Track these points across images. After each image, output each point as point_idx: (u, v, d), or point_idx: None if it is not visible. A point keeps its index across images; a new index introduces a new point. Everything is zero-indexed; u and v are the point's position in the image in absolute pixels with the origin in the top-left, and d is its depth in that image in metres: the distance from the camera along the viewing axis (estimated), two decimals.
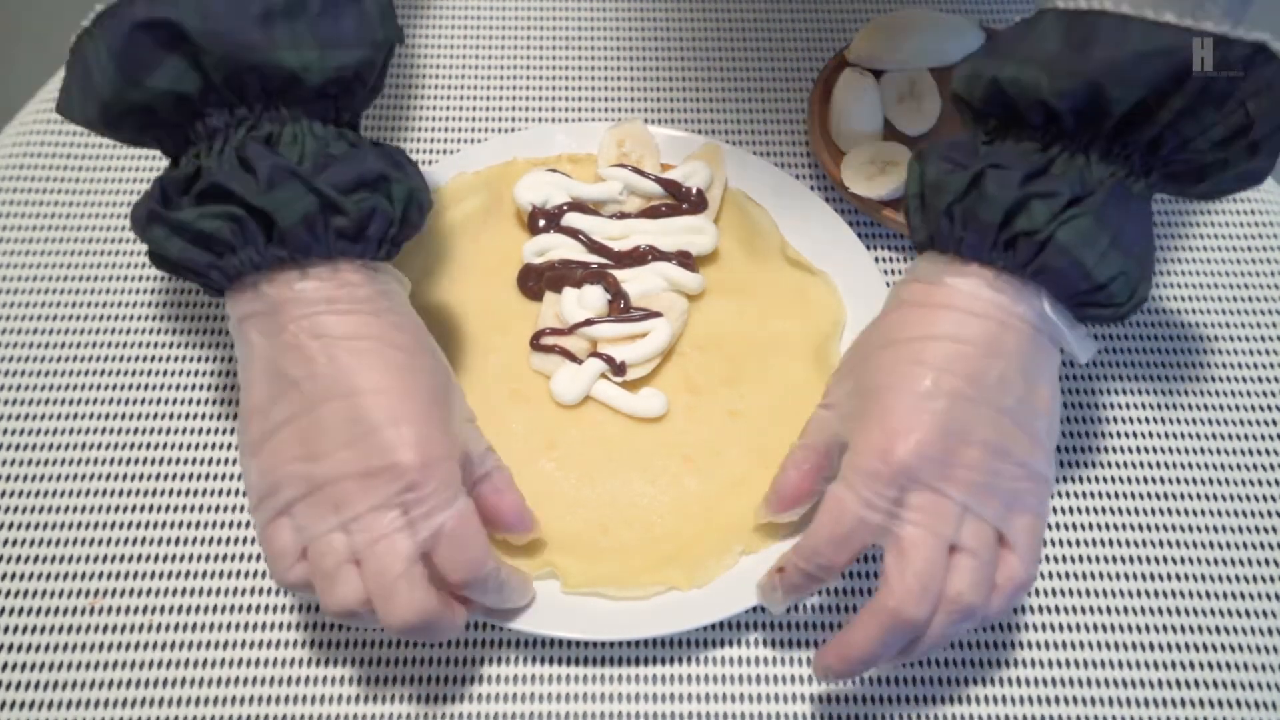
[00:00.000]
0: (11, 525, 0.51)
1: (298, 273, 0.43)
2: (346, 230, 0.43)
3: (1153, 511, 0.53)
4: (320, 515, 0.41)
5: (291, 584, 0.43)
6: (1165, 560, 0.52)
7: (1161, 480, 0.54)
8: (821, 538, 0.43)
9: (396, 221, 0.44)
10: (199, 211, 0.42)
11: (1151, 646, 0.49)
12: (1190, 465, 0.54)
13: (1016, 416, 0.43)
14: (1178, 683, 0.49)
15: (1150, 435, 0.55)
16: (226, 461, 0.53)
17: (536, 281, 0.57)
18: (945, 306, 0.43)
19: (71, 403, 0.55)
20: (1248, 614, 0.50)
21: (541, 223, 0.58)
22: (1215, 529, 0.52)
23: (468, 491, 0.44)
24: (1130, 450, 0.54)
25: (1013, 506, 0.43)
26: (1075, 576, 0.51)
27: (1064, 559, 0.51)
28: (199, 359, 0.56)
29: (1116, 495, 0.53)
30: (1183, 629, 0.50)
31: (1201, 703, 0.48)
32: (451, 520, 0.42)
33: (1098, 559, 0.52)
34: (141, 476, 0.53)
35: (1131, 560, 0.52)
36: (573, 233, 0.57)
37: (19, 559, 0.51)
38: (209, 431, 0.54)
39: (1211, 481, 0.54)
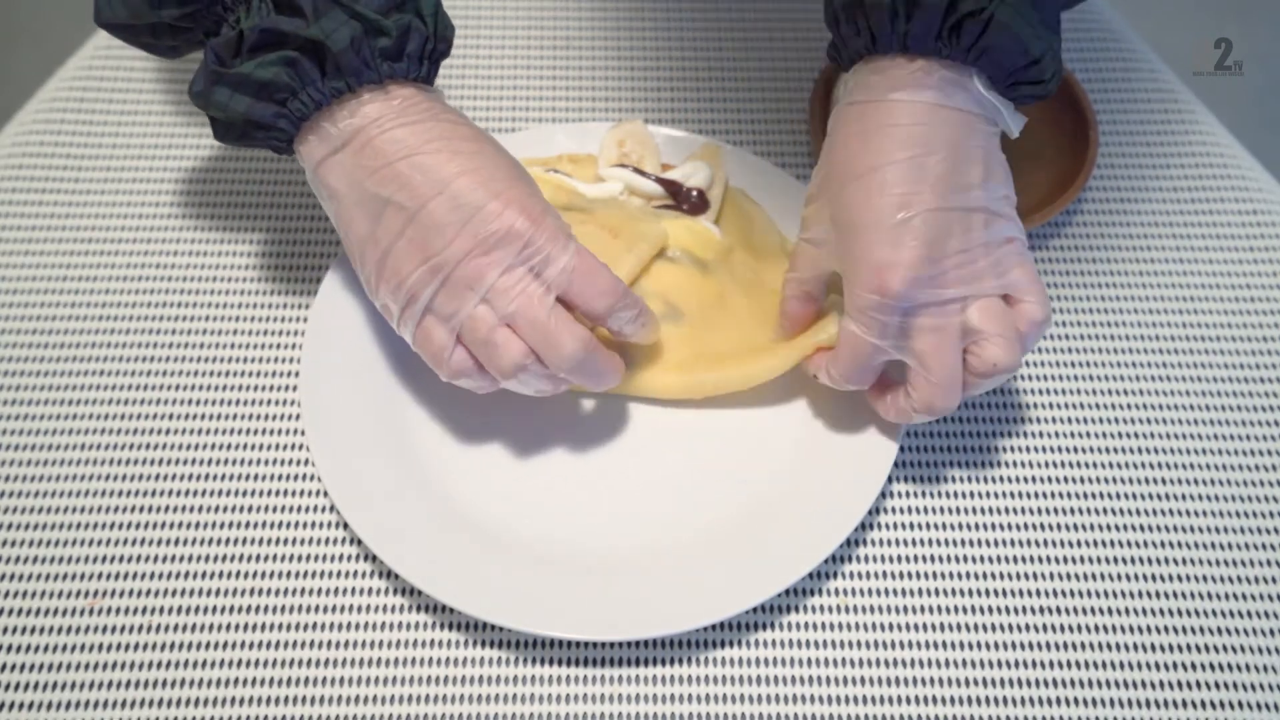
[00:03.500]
0: (11, 525, 0.51)
1: (355, 101, 0.46)
2: (389, 50, 0.46)
3: (1153, 512, 0.53)
4: (459, 297, 0.46)
5: (456, 372, 0.48)
6: (1165, 560, 0.52)
7: (1162, 480, 0.54)
8: (848, 370, 0.49)
9: (431, 37, 0.48)
10: (256, 62, 0.45)
11: (1151, 647, 0.49)
12: (1191, 465, 0.54)
13: (981, 204, 0.46)
14: (1178, 683, 0.49)
15: (1150, 435, 0.55)
16: (227, 462, 0.53)
17: None
18: (893, 125, 0.46)
19: (71, 403, 0.55)
20: (1248, 614, 0.50)
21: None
22: (1215, 529, 0.52)
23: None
24: (1130, 450, 0.54)
25: (1003, 271, 0.47)
26: (1075, 577, 0.51)
27: (1064, 559, 0.51)
28: (199, 359, 0.56)
29: (1117, 495, 0.53)
30: (1183, 629, 0.50)
31: (1201, 703, 0.48)
32: (574, 258, 0.46)
33: (1098, 559, 0.52)
34: (141, 476, 0.53)
35: (1131, 560, 0.51)
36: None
37: (18, 559, 0.51)
38: (209, 432, 0.54)
39: (1211, 482, 0.54)
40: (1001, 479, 0.54)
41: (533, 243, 0.46)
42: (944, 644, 0.49)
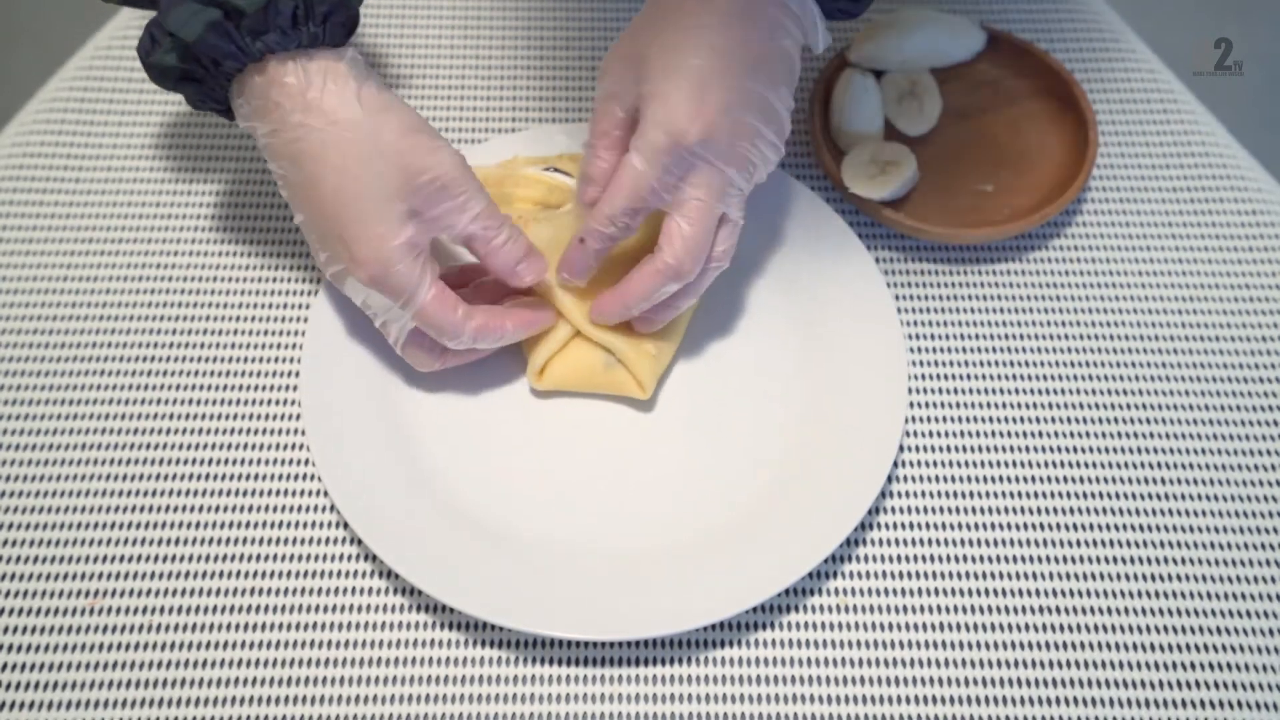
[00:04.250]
0: (11, 525, 0.51)
1: (239, 96, 0.49)
2: (254, 27, 0.47)
3: (1153, 511, 0.53)
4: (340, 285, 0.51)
5: None
6: (1165, 560, 0.52)
7: (1162, 480, 0.54)
8: (619, 206, 0.48)
9: (302, 2, 0.47)
10: (161, 50, 0.48)
11: (1151, 647, 0.49)
12: (1191, 465, 0.54)
13: (776, 102, 0.49)
14: (1178, 683, 0.49)
15: (1150, 435, 0.55)
16: (227, 462, 0.53)
17: None
18: None
19: (71, 403, 0.55)
20: (1247, 614, 0.50)
21: None
22: (1215, 529, 0.52)
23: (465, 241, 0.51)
24: (1130, 450, 0.54)
25: (753, 175, 0.50)
26: (1075, 577, 0.51)
27: (1064, 559, 0.51)
28: (199, 359, 0.56)
29: (1117, 495, 0.53)
30: (1183, 629, 0.50)
31: (1201, 703, 0.48)
32: (420, 310, 0.49)
33: (1098, 559, 0.52)
34: (141, 476, 0.53)
35: (1131, 560, 0.51)
36: None
37: (19, 559, 0.51)
38: (210, 432, 0.54)
39: (1211, 482, 0.54)
40: (1001, 479, 0.54)
41: (382, 289, 0.48)
42: (944, 644, 0.49)
